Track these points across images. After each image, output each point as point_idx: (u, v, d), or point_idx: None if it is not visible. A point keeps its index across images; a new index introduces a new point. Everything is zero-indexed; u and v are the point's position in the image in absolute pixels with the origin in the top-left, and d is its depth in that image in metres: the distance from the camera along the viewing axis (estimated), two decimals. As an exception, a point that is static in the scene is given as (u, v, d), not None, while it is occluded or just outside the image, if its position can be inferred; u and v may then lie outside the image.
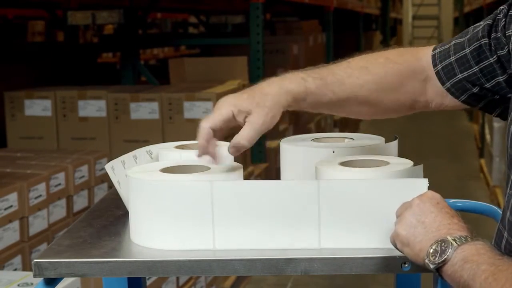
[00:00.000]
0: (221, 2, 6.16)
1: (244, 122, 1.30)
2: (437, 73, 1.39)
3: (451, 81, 1.38)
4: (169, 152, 1.51)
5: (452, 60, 1.38)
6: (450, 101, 1.40)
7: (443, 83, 1.39)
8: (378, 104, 1.41)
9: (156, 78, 4.66)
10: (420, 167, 1.34)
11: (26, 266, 2.85)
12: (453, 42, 1.40)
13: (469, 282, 1.03)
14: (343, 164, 1.38)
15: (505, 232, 1.17)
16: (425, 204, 1.14)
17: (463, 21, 13.78)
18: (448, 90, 1.39)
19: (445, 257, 1.07)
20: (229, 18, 7.70)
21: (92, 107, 3.83)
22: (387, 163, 1.38)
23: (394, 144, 1.55)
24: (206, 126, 1.30)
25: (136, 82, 4.62)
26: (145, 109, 3.77)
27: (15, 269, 2.79)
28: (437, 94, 1.41)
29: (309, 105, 1.35)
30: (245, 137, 1.29)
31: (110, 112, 3.81)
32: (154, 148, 1.53)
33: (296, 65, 6.02)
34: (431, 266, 1.08)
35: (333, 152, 1.47)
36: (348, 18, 10.15)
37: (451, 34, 18.32)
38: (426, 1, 19.44)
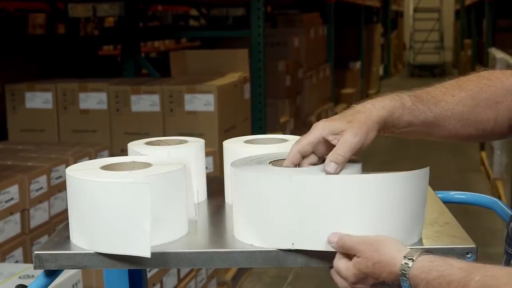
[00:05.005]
0: (222, -6, 6.15)
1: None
2: None
3: None
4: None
5: None
6: None
7: None
8: (475, 123, 1.35)
9: (157, 71, 4.65)
10: (427, 170, 1.26)
11: (27, 259, 2.85)
12: None
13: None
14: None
15: None
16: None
17: (464, 14, 13.78)
18: None
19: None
20: (230, 11, 7.69)
21: (93, 100, 3.83)
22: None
23: None
24: (294, 149, 1.27)
25: (137, 74, 4.62)
26: (146, 102, 3.77)
27: (16, 262, 2.79)
28: None
29: (405, 123, 1.30)
30: (339, 152, 1.24)
31: (111, 104, 3.81)
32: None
33: (297, 57, 6.02)
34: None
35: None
36: (349, 11, 10.13)
37: (452, 27, 18.29)
38: (427, -6, 19.40)
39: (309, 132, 1.28)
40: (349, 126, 1.25)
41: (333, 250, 1.19)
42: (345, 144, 1.23)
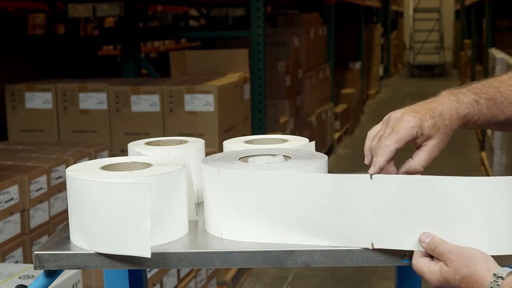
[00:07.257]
0: (222, -6, 6.15)
1: (420, 144, 1.27)
2: None
3: None
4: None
5: None
6: None
7: None
8: None
9: (157, 71, 4.65)
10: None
11: (27, 259, 2.85)
12: None
13: None
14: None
15: None
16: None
17: (464, 14, 13.77)
18: None
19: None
20: (230, 11, 7.68)
21: (93, 100, 3.83)
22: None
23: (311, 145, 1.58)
24: (393, 146, 1.25)
25: (137, 75, 4.62)
26: (146, 102, 3.77)
27: (16, 262, 2.79)
28: None
29: (476, 126, 1.33)
30: (422, 163, 1.26)
31: (111, 104, 3.81)
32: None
33: (297, 57, 6.01)
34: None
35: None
36: (349, 11, 10.13)
37: (452, 27, 18.28)
38: (427, -6, 19.40)
39: (403, 127, 1.25)
40: (437, 136, 1.25)
41: (405, 249, 1.20)
42: (430, 154, 1.26)
